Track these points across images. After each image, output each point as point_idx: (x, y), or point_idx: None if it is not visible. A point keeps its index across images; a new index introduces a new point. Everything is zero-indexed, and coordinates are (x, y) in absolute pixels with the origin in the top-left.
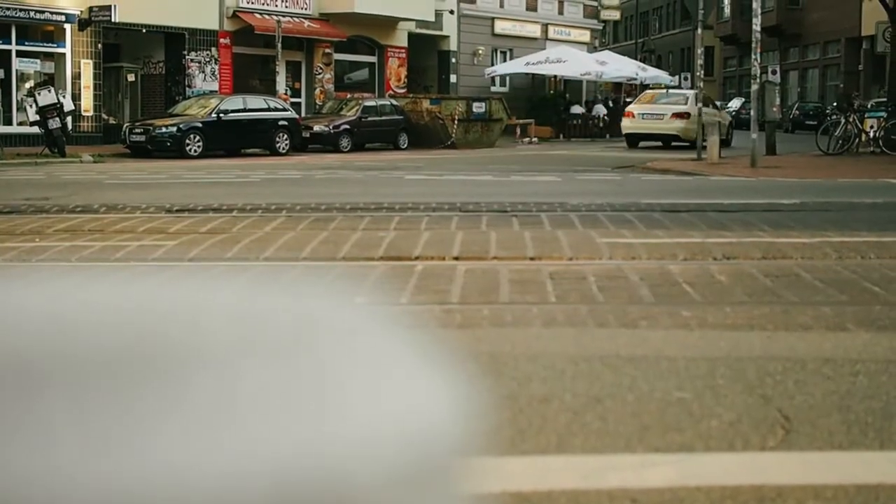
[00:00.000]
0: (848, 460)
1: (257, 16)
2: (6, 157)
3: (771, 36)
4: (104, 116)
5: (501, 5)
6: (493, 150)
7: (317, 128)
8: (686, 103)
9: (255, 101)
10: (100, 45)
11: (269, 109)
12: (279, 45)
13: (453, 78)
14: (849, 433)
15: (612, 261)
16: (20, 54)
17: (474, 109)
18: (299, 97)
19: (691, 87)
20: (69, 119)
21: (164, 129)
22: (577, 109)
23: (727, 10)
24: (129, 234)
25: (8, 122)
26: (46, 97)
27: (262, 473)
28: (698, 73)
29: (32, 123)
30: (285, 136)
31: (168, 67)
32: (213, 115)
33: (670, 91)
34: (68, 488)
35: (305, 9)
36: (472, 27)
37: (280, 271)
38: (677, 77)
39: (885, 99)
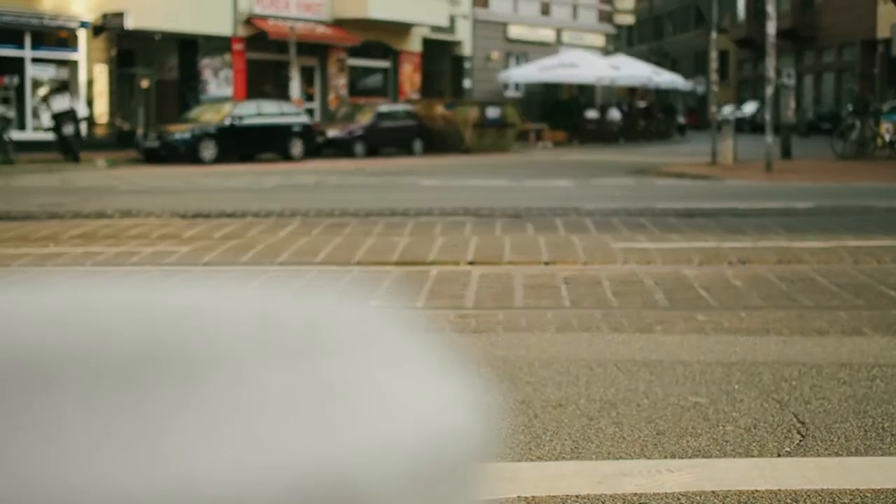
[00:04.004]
0: (864, 465)
1: (271, 21)
2: (20, 162)
3: (786, 39)
4: (118, 122)
5: (515, 10)
6: (507, 155)
7: (331, 133)
8: None
9: (269, 107)
10: (113, 52)
11: (282, 115)
12: (293, 50)
13: (467, 83)
14: (865, 438)
15: (626, 265)
16: (34, 61)
17: (488, 114)
18: (313, 102)
19: (706, 91)
20: (83, 125)
21: (177, 135)
22: (591, 114)
23: (742, 14)
24: (143, 239)
25: (23, 127)
26: (60, 103)
27: (275, 479)
28: (714, 78)
29: (48, 129)
30: (299, 141)
31: (182, 73)
32: (227, 120)
33: None
34: (81, 491)
35: (319, 14)
36: (486, 32)
37: (294, 276)
38: (692, 81)
39: None
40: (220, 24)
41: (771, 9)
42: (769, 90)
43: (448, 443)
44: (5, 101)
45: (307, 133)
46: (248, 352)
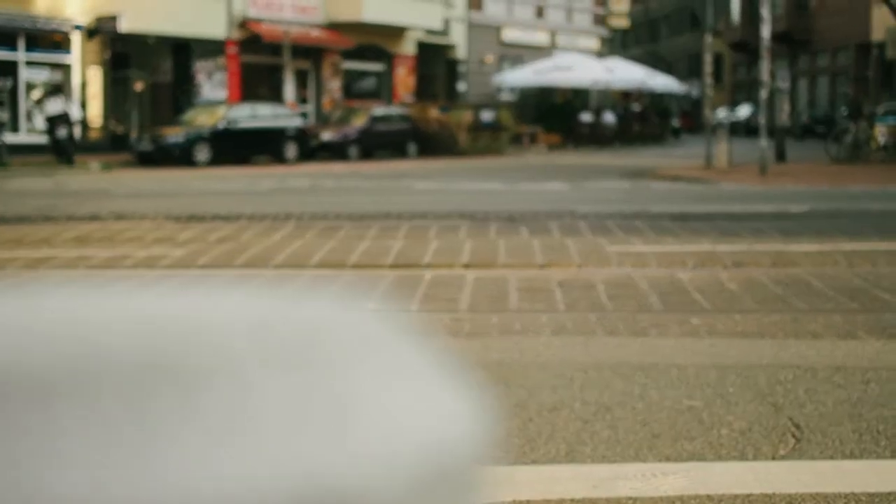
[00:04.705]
0: (859, 469)
1: (265, 24)
2: (13, 165)
3: (780, 42)
4: (112, 125)
5: (509, 13)
6: (501, 158)
7: (325, 136)
8: None
9: (263, 110)
10: (107, 55)
11: (277, 118)
12: (287, 53)
13: (462, 86)
14: (860, 441)
15: (621, 269)
16: (28, 64)
17: (483, 118)
18: (307, 105)
19: (700, 94)
20: (77, 128)
21: (171, 138)
22: (585, 117)
23: (736, 17)
24: (138, 242)
25: (16, 130)
26: (54, 106)
27: (277, 490)
28: (708, 82)
29: (42, 132)
30: (293, 144)
31: (176, 76)
32: (221, 123)
33: None
34: (82, 500)
35: (313, 17)
36: (481, 35)
37: (289, 280)
38: (686, 84)
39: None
40: (214, 27)
41: (765, 12)
42: (763, 93)
43: (448, 449)
44: None
45: (301, 136)
46: (249, 360)
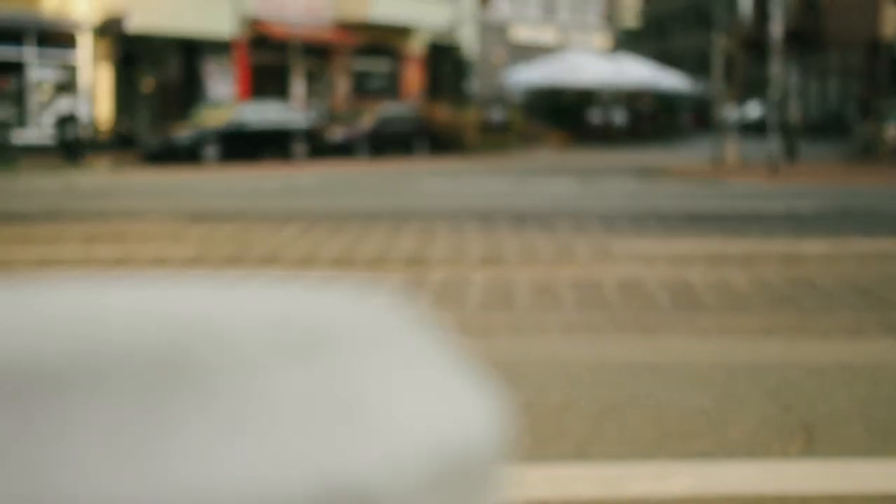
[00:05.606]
0: (870, 468)
1: (273, 24)
2: (23, 165)
3: (790, 41)
4: (120, 125)
5: (518, 12)
6: (510, 157)
7: (334, 135)
8: None
9: (272, 109)
10: (116, 54)
11: (285, 117)
12: (296, 52)
13: (471, 85)
14: (871, 440)
15: (629, 267)
16: (37, 63)
17: (492, 116)
18: (316, 104)
19: (710, 93)
20: (86, 127)
21: (180, 137)
22: (594, 115)
23: (747, 15)
24: (146, 240)
25: (24, 128)
26: (63, 105)
27: (289, 487)
28: (718, 80)
29: (51, 132)
30: (302, 143)
31: (184, 76)
32: (230, 122)
33: None
34: (91, 496)
35: (322, 16)
36: (489, 34)
37: (298, 278)
38: (696, 82)
39: None
40: (222, 26)
41: (775, 11)
42: (774, 92)
43: (460, 448)
44: (8, 100)
45: (310, 135)
46: (261, 356)
